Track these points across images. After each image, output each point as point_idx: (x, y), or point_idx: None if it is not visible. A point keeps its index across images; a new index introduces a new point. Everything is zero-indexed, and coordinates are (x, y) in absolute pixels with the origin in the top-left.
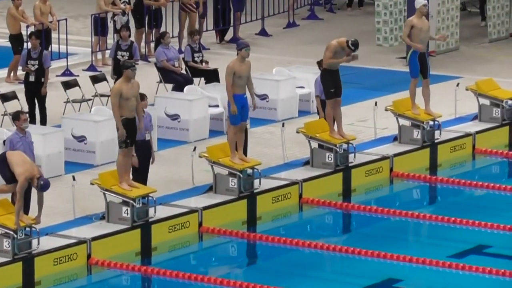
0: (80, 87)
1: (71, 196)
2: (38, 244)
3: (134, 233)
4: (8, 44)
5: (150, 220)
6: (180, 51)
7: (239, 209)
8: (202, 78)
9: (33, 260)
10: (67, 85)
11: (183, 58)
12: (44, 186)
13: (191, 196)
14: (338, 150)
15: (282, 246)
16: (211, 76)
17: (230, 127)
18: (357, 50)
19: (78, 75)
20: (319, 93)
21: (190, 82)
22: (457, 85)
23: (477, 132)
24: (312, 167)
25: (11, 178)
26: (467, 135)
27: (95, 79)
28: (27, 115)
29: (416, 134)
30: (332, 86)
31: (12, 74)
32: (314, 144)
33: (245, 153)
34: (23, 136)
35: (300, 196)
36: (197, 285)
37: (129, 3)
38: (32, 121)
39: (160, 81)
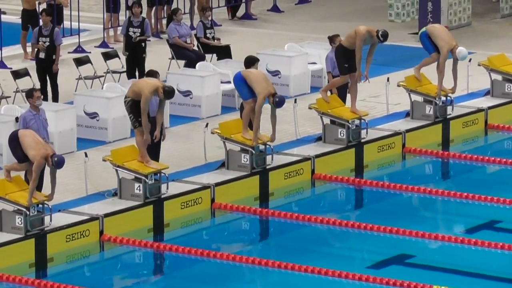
0: (92, 64)
1: (84, 173)
2: (51, 220)
3: (147, 210)
4: (20, 21)
5: (162, 196)
6: (192, 28)
7: (252, 185)
8: (214, 55)
9: (46, 237)
10: (79, 62)
11: (195, 35)
12: (59, 162)
13: (204, 172)
14: (350, 126)
15: (294, 222)
16: (223, 52)
17: (245, 103)
18: (385, 41)
19: (90, 52)
20: (330, 69)
21: (202, 58)
22: (469, 60)
23: (490, 108)
24: (325, 143)
25: (23, 157)
26: (480, 110)
27: (107, 56)
28: (40, 92)
29: (429, 109)
30: (345, 61)
31: (29, 50)
32: (327, 120)
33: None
34: (37, 113)
35: (313, 172)
36: (210, 261)
37: None
38: (44, 98)
39: (172, 58)
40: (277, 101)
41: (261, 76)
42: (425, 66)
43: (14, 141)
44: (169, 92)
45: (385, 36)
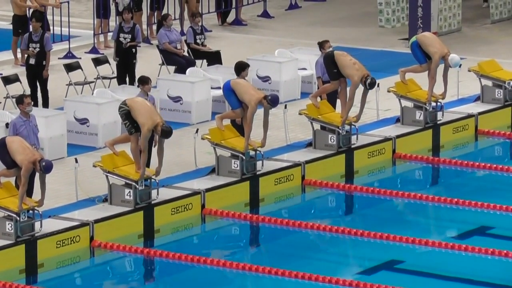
0: (82, 70)
1: (74, 179)
2: (41, 226)
3: (137, 216)
4: (10, 27)
5: (153, 202)
6: (182, 33)
7: (242, 191)
8: (205, 60)
9: (36, 243)
10: (69, 68)
11: (185, 40)
12: (47, 167)
13: (194, 178)
14: (340, 131)
15: (285, 228)
16: (213, 58)
17: (234, 112)
18: (371, 89)
19: (80, 58)
20: (320, 74)
21: (193, 64)
22: (459, 66)
23: (480, 113)
24: (315, 148)
25: (11, 163)
26: (470, 116)
27: (98, 62)
28: (30, 98)
29: (419, 115)
30: (335, 67)
31: (19, 56)
32: (317, 126)
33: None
34: (27, 119)
35: (303, 177)
36: (200, 267)
37: None
38: (35, 104)
39: (163, 63)
40: (271, 99)
41: (249, 86)
42: (414, 73)
43: (2, 148)
44: (166, 133)
45: (372, 85)
